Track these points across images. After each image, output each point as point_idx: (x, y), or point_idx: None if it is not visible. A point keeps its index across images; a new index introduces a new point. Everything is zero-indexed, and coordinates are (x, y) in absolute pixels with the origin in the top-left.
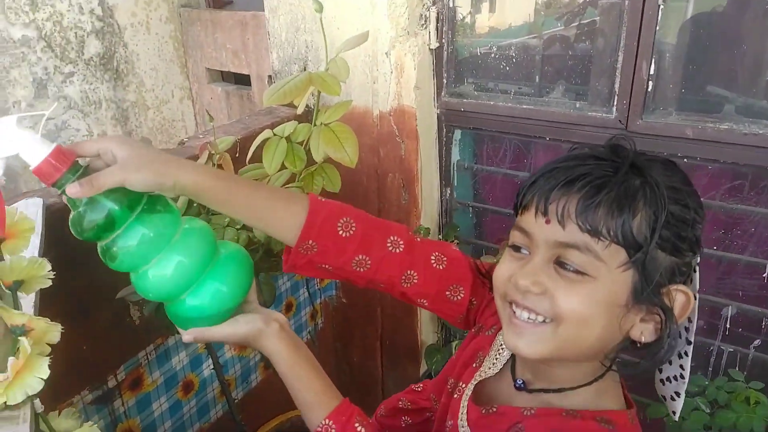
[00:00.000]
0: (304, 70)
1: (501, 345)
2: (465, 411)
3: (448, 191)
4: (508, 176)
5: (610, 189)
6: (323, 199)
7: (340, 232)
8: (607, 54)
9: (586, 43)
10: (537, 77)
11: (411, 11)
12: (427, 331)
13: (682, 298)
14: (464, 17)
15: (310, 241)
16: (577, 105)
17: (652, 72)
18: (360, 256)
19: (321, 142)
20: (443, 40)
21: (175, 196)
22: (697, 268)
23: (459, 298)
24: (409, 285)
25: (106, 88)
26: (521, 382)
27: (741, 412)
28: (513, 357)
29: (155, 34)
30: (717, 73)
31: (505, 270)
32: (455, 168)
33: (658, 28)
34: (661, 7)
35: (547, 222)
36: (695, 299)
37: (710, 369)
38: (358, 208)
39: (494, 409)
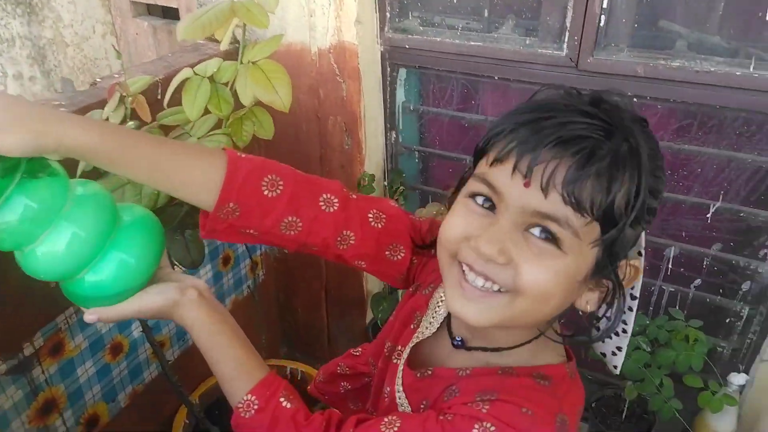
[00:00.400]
0: None
1: (438, 303)
2: (401, 375)
3: (393, 135)
4: (456, 118)
5: (602, 157)
6: (243, 155)
7: (265, 192)
8: None
9: None
10: (486, 11)
11: None
12: (373, 279)
13: (632, 271)
14: None
15: (231, 204)
16: (527, 41)
17: (605, 5)
18: (289, 218)
19: (249, 82)
20: None
21: (59, 158)
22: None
23: (399, 257)
24: (345, 247)
25: (19, 23)
26: (459, 339)
27: (680, 350)
28: (450, 314)
29: None
30: (670, 6)
31: (459, 226)
32: (401, 110)
33: None
34: None
35: (527, 185)
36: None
37: (651, 308)
38: (285, 164)
39: (429, 372)
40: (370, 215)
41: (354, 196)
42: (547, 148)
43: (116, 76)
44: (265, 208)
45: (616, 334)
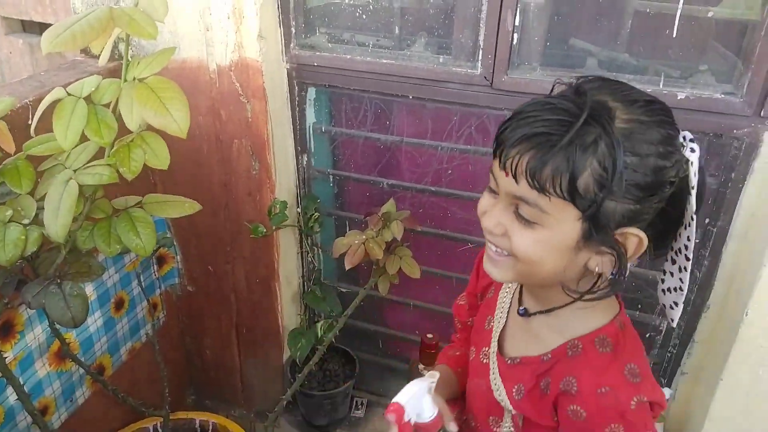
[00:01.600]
0: None
1: (503, 297)
2: (495, 363)
3: (305, 158)
4: (371, 140)
5: (559, 148)
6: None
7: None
8: (470, 3)
9: None
10: (397, 28)
11: None
12: (289, 313)
13: (634, 240)
14: None
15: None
16: (441, 59)
17: (517, 23)
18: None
19: (135, 103)
20: None
21: None
22: (693, 192)
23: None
24: None
25: None
26: (523, 309)
27: None
28: (518, 294)
29: None
30: (580, 25)
31: (479, 207)
32: (311, 131)
33: None
34: None
35: (506, 175)
36: (648, 241)
37: None
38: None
39: (518, 360)
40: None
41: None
42: (515, 144)
43: None
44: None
45: (674, 290)
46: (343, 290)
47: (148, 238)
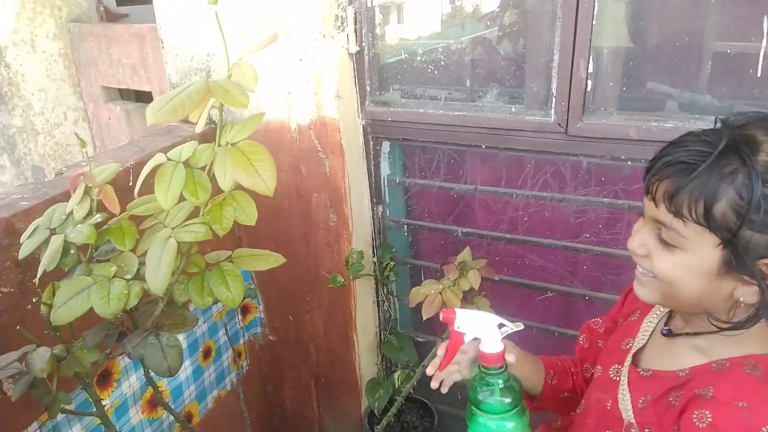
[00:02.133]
0: None
1: (650, 319)
2: (626, 373)
3: (380, 209)
4: (443, 189)
5: (697, 174)
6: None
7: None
8: (541, 53)
9: (518, 43)
10: (468, 81)
11: (325, 12)
12: (366, 363)
13: None
14: (384, 19)
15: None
16: (513, 109)
17: (590, 70)
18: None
19: (228, 166)
20: (363, 44)
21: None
22: None
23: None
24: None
25: None
26: (667, 329)
27: None
28: (667, 317)
29: (42, 52)
30: (657, 68)
31: (633, 230)
32: (386, 183)
33: (594, 23)
34: (597, 1)
35: (650, 200)
36: None
37: None
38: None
39: (650, 372)
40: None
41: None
42: (658, 170)
43: (84, 164)
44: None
45: None
46: (420, 340)
47: (237, 291)
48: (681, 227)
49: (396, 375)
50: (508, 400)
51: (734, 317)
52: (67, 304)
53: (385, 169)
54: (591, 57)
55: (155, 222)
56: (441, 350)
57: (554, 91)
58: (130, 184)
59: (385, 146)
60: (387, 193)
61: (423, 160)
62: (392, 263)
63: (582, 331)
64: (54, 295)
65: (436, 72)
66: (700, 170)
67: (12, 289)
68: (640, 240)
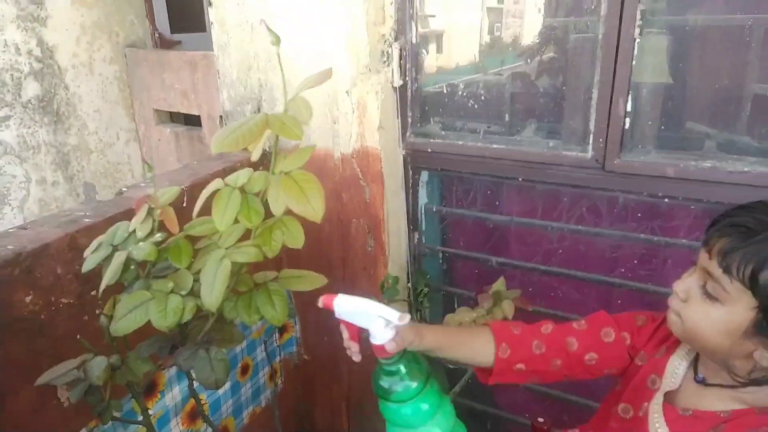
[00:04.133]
0: (258, 111)
1: (680, 360)
2: (661, 413)
3: (416, 236)
4: (479, 219)
5: (754, 241)
6: (501, 325)
7: (535, 351)
8: (580, 90)
9: (557, 79)
10: (507, 116)
11: (372, 48)
12: None
13: None
14: (427, 54)
15: (519, 365)
16: (551, 144)
17: (629, 109)
18: (555, 360)
19: (281, 193)
20: (407, 78)
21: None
22: None
23: (611, 338)
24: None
25: (45, 131)
26: (701, 377)
27: None
28: (694, 363)
29: (99, 74)
30: (696, 108)
31: (683, 275)
32: (423, 211)
33: (634, 62)
34: (637, 41)
35: (706, 252)
36: None
37: None
38: (528, 324)
39: (690, 412)
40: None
41: (575, 326)
42: (721, 227)
43: (142, 185)
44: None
45: None
46: (451, 367)
47: (281, 310)
48: (726, 283)
49: None
50: (414, 384)
51: (752, 375)
52: (127, 317)
53: (422, 197)
54: (630, 95)
55: (209, 242)
56: (345, 336)
57: (592, 128)
58: (184, 204)
59: (424, 176)
60: (423, 221)
61: (460, 190)
62: (426, 289)
63: (620, 323)
64: (115, 307)
65: (476, 106)
66: (759, 238)
67: (72, 301)
68: (686, 285)
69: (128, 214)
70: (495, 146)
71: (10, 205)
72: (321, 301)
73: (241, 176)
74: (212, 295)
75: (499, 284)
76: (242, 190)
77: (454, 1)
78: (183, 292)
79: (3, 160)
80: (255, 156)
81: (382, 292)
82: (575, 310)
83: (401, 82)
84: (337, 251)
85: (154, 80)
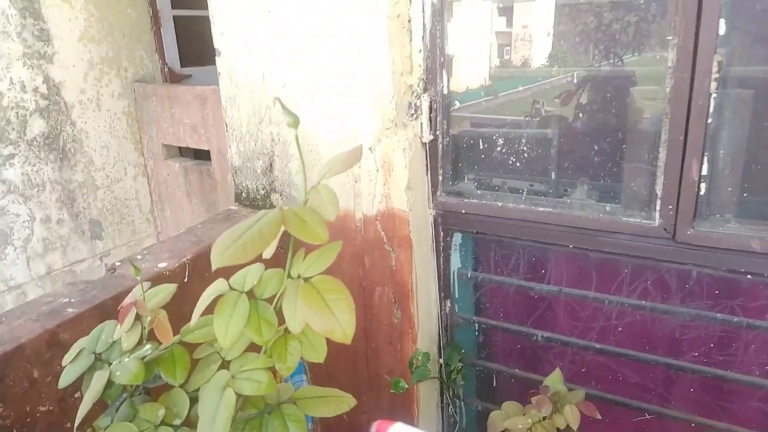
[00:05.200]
0: (270, 167)
1: None
2: None
3: (449, 305)
4: (522, 288)
5: None
6: None
7: None
8: (643, 149)
9: (615, 136)
10: (553, 174)
11: (399, 99)
12: None
13: None
14: (459, 105)
15: None
16: (608, 208)
17: (704, 172)
18: None
19: (299, 304)
20: (437, 132)
21: None
22: None
23: None
24: None
25: (50, 169)
26: None
27: None
28: None
29: (107, 110)
30: None
31: None
32: (456, 278)
33: (710, 120)
34: (714, 96)
35: None
36: None
37: None
38: None
39: None
40: None
41: None
42: None
43: (138, 257)
44: None
45: None
46: None
47: None
48: None
49: None
50: None
51: None
52: None
53: (455, 262)
54: (705, 156)
55: (211, 351)
56: None
57: (659, 192)
58: (185, 279)
59: (457, 238)
60: (456, 288)
61: (499, 256)
62: (460, 365)
63: None
64: None
65: (517, 163)
66: None
67: (51, 408)
68: None
69: (119, 300)
70: (541, 209)
71: (13, 245)
72: (377, 428)
73: (250, 276)
74: None
75: (557, 380)
76: (251, 294)
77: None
78: (177, 422)
79: (6, 200)
80: (267, 255)
81: (411, 372)
82: (637, 396)
83: (431, 137)
84: (359, 322)
85: (163, 114)
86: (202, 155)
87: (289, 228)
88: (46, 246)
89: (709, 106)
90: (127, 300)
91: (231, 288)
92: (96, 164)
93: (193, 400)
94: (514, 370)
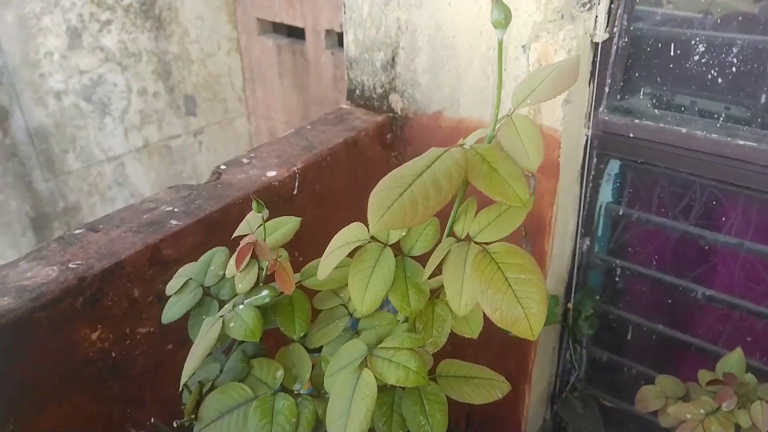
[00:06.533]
0: (392, 61)
1: None
2: None
3: (587, 243)
4: (690, 235)
5: None
6: None
7: None
8: None
9: None
10: (763, 96)
11: None
12: (533, 416)
13: None
14: None
15: None
16: None
17: None
18: None
19: (468, 279)
20: (614, 29)
21: None
22: None
23: None
24: None
25: (146, 38)
26: None
27: None
28: None
29: None
30: None
31: None
32: (602, 213)
33: None
34: None
35: None
36: None
37: None
38: None
39: None
40: None
41: None
42: None
43: (244, 161)
44: None
45: None
46: (608, 404)
47: (439, 426)
48: None
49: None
50: None
51: None
52: (216, 424)
53: (605, 194)
54: None
55: (336, 303)
56: None
57: None
58: (295, 192)
59: (612, 167)
60: (600, 226)
61: (668, 194)
62: (591, 312)
63: None
64: (198, 405)
65: (718, 78)
66: None
67: (152, 329)
68: None
69: (227, 213)
70: (740, 142)
71: (111, 115)
72: None
73: (395, 232)
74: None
75: (737, 362)
76: (396, 248)
77: None
78: (297, 387)
79: (104, 68)
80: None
81: None
82: None
83: (606, 36)
84: None
85: None
86: (295, 33)
87: (473, 178)
88: (142, 119)
89: None
90: (241, 231)
91: (372, 238)
92: (191, 36)
93: (314, 358)
94: (657, 325)
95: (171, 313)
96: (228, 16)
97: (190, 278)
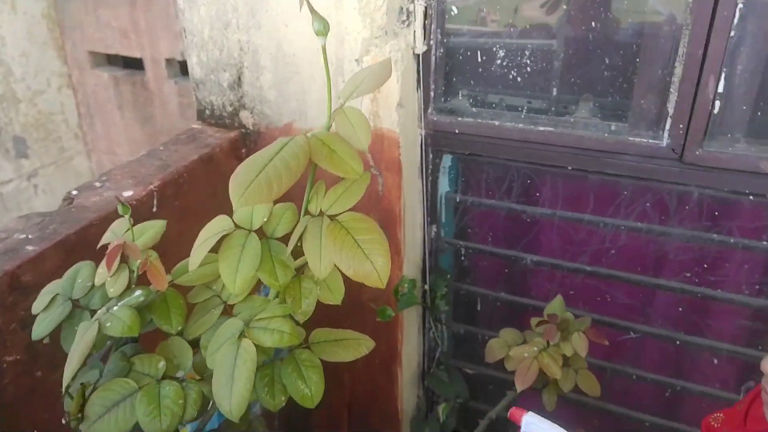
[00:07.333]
0: (239, 80)
1: None
2: None
3: (434, 229)
4: (513, 212)
5: None
6: None
7: None
8: (658, 64)
9: (628, 49)
10: (554, 90)
11: (390, 4)
12: (407, 396)
13: None
14: (456, 11)
15: None
16: (613, 127)
17: (720, 90)
18: None
19: (325, 246)
20: (431, 42)
21: None
22: None
23: None
24: None
25: None
26: None
27: None
28: None
29: (23, 13)
30: None
31: None
32: (443, 201)
33: (732, 33)
34: (740, 6)
35: None
36: None
37: None
38: None
39: None
40: None
41: None
42: None
43: (96, 185)
44: None
45: None
46: (470, 371)
47: (317, 387)
48: None
49: (440, 408)
50: None
51: None
52: (104, 419)
53: (443, 185)
54: (723, 73)
55: (209, 295)
56: None
57: (671, 111)
58: (154, 209)
59: (446, 160)
60: (443, 213)
61: (492, 178)
62: (445, 290)
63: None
64: (84, 403)
65: (519, 79)
66: None
67: (18, 356)
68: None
69: (85, 234)
70: (541, 129)
71: None
72: (510, 413)
73: (257, 213)
74: (232, 398)
75: (557, 306)
76: (260, 233)
77: None
78: (180, 374)
79: None
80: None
81: (398, 300)
82: (625, 316)
83: (425, 48)
84: None
85: (87, 17)
86: (133, 64)
87: (317, 159)
88: None
89: (733, 18)
90: (106, 239)
91: (237, 226)
92: (15, 75)
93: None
94: (499, 294)
95: (40, 329)
96: (56, 51)
97: (57, 294)
